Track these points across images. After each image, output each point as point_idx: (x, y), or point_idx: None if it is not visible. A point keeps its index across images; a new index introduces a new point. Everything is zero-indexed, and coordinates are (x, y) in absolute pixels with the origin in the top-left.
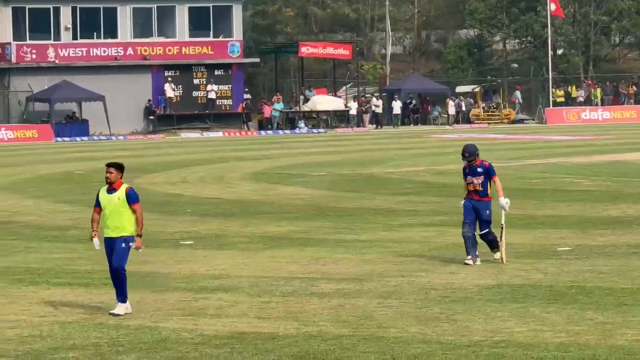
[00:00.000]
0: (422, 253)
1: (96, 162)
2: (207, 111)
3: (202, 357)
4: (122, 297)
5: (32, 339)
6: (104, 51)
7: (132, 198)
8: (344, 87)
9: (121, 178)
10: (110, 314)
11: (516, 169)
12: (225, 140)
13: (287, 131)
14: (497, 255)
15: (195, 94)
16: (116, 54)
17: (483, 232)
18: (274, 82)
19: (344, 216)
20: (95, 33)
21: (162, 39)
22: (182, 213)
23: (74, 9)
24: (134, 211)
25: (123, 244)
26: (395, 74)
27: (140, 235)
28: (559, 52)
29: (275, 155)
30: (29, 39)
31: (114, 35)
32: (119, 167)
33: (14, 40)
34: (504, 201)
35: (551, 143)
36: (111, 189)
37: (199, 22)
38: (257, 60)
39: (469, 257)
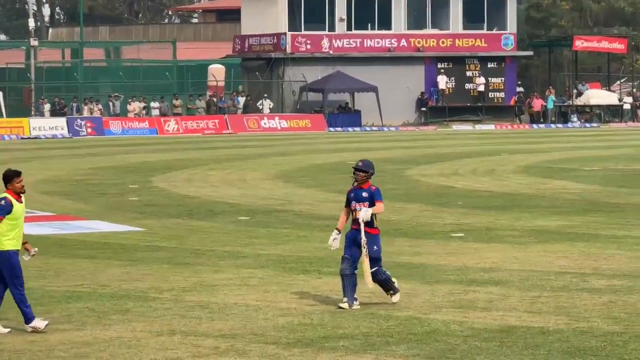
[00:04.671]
0: None
1: (368, 153)
2: (479, 103)
3: (471, 350)
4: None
5: (303, 328)
6: (378, 42)
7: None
8: (618, 82)
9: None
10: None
11: None
12: (496, 133)
13: (560, 125)
14: (395, 298)
15: (467, 86)
16: (389, 45)
17: (372, 270)
18: (547, 76)
19: (616, 212)
20: (369, 24)
21: (435, 31)
22: (453, 205)
23: (349, 1)
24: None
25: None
26: None
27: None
28: None
29: (547, 149)
30: (304, 30)
31: (388, 27)
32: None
33: (289, 30)
34: (364, 211)
35: None
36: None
37: (473, 14)
38: (531, 53)
39: (345, 299)
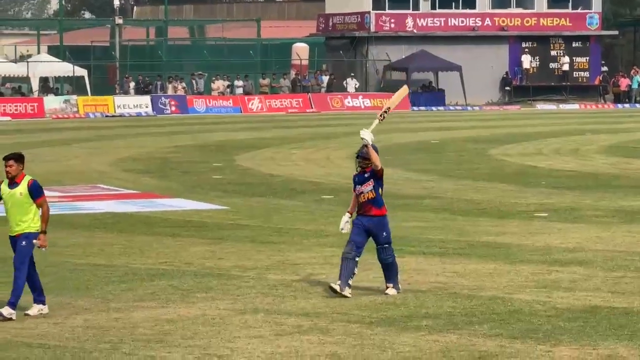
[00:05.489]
0: None
1: (451, 132)
2: (563, 83)
3: (554, 330)
4: (36, 297)
5: (386, 307)
6: (462, 21)
7: (36, 192)
8: None
9: (23, 169)
10: (25, 314)
11: None
12: (581, 112)
13: None
14: (390, 291)
15: (551, 65)
16: (474, 25)
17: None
18: (631, 55)
19: None
20: (453, 3)
21: (519, 10)
22: (536, 185)
23: None
24: (39, 206)
25: (24, 242)
26: None
27: (44, 232)
28: None
29: (632, 128)
30: (388, 9)
31: (472, 6)
32: (19, 158)
33: (373, 9)
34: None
35: None
36: (13, 183)
37: None
38: (616, 32)
39: (338, 282)
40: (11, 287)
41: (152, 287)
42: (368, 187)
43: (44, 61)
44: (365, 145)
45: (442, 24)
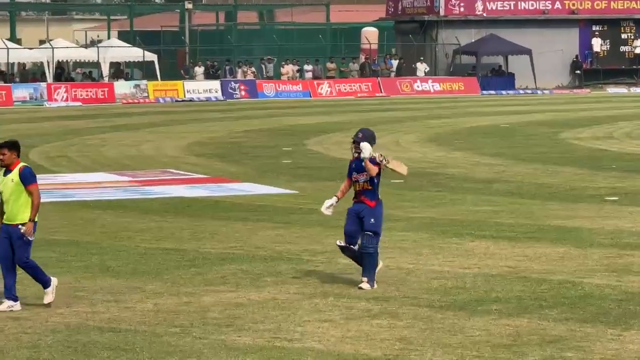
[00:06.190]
0: None
1: (521, 116)
2: (634, 66)
3: (625, 314)
4: (43, 284)
5: (456, 290)
6: (532, 5)
7: (27, 179)
8: None
9: (18, 156)
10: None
11: None
12: None
13: None
14: (364, 285)
15: (622, 48)
16: (544, 8)
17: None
18: None
19: None
20: None
21: None
22: (607, 169)
23: None
24: (29, 193)
25: (19, 239)
26: None
27: (32, 221)
28: None
29: None
30: None
31: None
32: (12, 146)
33: None
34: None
35: None
36: (7, 171)
37: None
38: None
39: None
40: (35, 284)
41: (222, 271)
42: (364, 177)
43: (115, 46)
44: (363, 159)
45: (512, 8)
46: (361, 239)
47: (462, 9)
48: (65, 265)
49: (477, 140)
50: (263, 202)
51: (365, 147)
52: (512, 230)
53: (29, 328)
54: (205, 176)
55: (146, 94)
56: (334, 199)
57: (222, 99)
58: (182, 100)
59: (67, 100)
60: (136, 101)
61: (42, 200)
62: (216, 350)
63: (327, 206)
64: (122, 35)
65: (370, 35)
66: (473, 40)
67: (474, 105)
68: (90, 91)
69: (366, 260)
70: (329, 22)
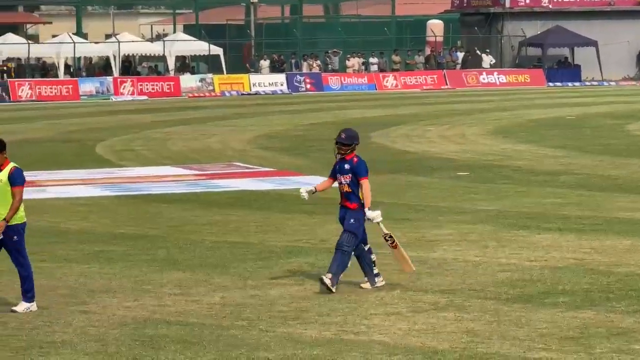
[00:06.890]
0: None
1: (587, 108)
2: None
3: None
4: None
5: (522, 283)
6: None
7: (15, 180)
8: None
9: (6, 157)
10: (11, 310)
11: None
12: None
13: None
14: (365, 285)
15: None
16: (610, 0)
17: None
18: None
19: None
20: None
21: None
22: None
23: None
24: (13, 195)
25: (15, 237)
26: None
27: (5, 220)
28: None
29: None
30: None
31: None
32: (1, 147)
33: None
34: (372, 214)
35: None
36: None
37: None
38: None
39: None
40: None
41: (288, 265)
42: (346, 179)
43: (180, 40)
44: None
45: None
46: (340, 237)
47: (527, 1)
48: (132, 258)
49: (543, 132)
50: (328, 195)
51: (374, 216)
52: (579, 223)
53: (96, 321)
54: (271, 169)
55: (212, 88)
56: (312, 189)
57: (288, 92)
58: (248, 94)
59: (133, 94)
60: (202, 95)
61: (108, 193)
62: (283, 343)
63: (304, 191)
64: (188, 29)
65: (435, 28)
66: (539, 32)
67: (540, 97)
68: (156, 85)
69: (338, 256)
70: (394, 14)
